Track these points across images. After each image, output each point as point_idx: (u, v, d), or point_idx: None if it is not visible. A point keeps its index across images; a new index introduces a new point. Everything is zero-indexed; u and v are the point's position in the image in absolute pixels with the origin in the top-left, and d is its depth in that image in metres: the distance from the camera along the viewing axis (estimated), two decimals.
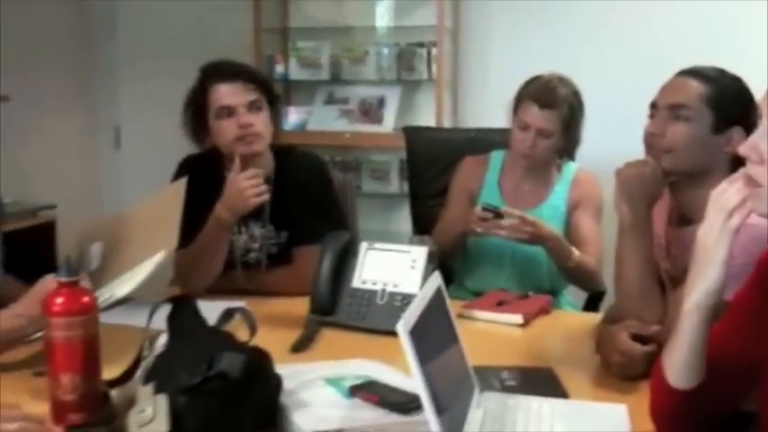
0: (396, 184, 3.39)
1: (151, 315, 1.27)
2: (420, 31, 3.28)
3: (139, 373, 1.22)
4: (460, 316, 1.66)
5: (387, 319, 1.52)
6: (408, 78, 3.34)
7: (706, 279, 1.04)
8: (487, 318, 1.71)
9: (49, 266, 1.35)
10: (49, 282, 1.37)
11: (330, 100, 3.46)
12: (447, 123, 3.25)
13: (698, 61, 1.53)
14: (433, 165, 2.51)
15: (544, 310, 1.77)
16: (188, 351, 1.17)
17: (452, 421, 1.10)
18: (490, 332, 1.66)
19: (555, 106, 2.03)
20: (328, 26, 3.44)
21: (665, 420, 1.13)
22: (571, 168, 2.16)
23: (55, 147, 3.14)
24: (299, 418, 1.15)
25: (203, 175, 1.86)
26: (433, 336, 1.16)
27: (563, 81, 2.08)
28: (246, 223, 1.92)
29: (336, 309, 1.66)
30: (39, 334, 1.36)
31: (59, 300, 1.17)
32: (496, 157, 2.22)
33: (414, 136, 2.66)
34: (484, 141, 2.40)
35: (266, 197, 1.80)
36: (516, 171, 2.16)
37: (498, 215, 1.96)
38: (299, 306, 1.70)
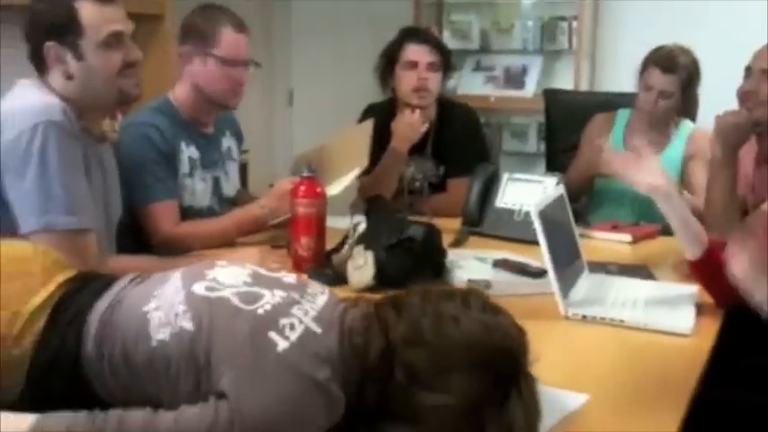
0: (533, 144, 3.93)
1: (352, 215, 1.92)
2: (562, 5, 3.79)
3: (348, 244, 1.86)
4: (580, 235, 2.20)
5: (521, 231, 2.09)
6: (550, 48, 3.86)
7: None
8: (601, 236, 2.25)
9: None
10: (284, 183, 2.04)
11: (478, 67, 4.04)
12: (583, 89, 3.76)
13: None
14: (568, 125, 3.03)
15: (651, 235, 2.28)
16: (384, 225, 1.80)
17: (566, 284, 1.67)
18: (602, 246, 2.19)
19: (675, 71, 2.51)
20: (479, 1, 4.01)
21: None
22: (689, 126, 2.64)
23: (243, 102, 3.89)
24: (458, 273, 1.76)
25: (381, 118, 2.51)
26: (556, 223, 1.72)
27: (684, 51, 2.56)
28: (413, 159, 2.55)
29: (482, 222, 2.26)
30: (276, 220, 2.04)
31: (302, 188, 1.84)
32: (623, 114, 2.73)
33: (553, 98, 3.20)
34: (614, 103, 2.88)
35: (427, 126, 2.43)
36: (640, 126, 2.66)
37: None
38: (452, 224, 2.30)
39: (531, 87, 3.90)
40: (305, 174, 1.85)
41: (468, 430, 1.03)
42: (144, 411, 1.00)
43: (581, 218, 2.74)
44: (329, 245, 1.89)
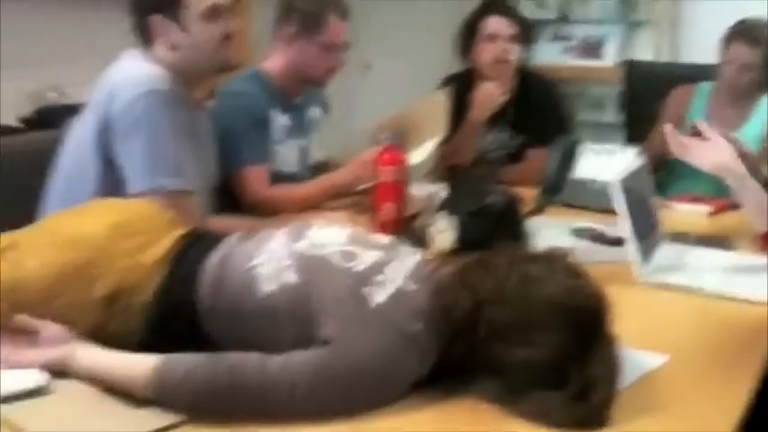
0: (611, 115, 3.93)
1: (431, 183, 2.00)
2: None
3: (429, 210, 1.94)
4: (658, 207, 2.23)
5: (600, 200, 2.13)
6: (630, 19, 3.83)
7: None
8: (680, 208, 2.28)
9: None
10: (367, 152, 2.13)
11: (555, 37, 4.04)
12: (664, 60, 3.73)
13: None
14: (648, 96, 3.03)
15: (730, 207, 2.29)
16: (466, 192, 1.88)
17: (645, 252, 1.73)
18: (681, 218, 2.22)
19: (758, 44, 2.50)
20: None
21: None
22: None
23: None
24: (537, 241, 1.82)
25: (460, 89, 2.57)
26: (636, 193, 1.77)
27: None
28: (491, 129, 2.61)
29: (561, 191, 2.31)
30: (359, 187, 2.14)
31: (386, 155, 1.93)
32: (704, 87, 2.72)
33: (632, 69, 3.21)
34: (695, 75, 2.87)
35: (506, 96, 2.49)
36: (722, 99, 2.65)
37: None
38: (530, 193, 2.35)
39: (609, 58, 3.89)
40: (387, 142, 1.93)
41: (551, 383, 1.11)
42: (256, 355, 1.11)
43: (659, 190, 2.77)
44: (410, 211, 1.98)
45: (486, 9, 2.60)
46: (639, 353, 1.29)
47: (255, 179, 2.08)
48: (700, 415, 1.15)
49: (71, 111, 2.75)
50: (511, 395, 1.13)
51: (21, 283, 1.21)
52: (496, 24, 2.55)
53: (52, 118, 2.79)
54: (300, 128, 2.26)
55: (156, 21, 1.74)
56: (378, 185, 1.94)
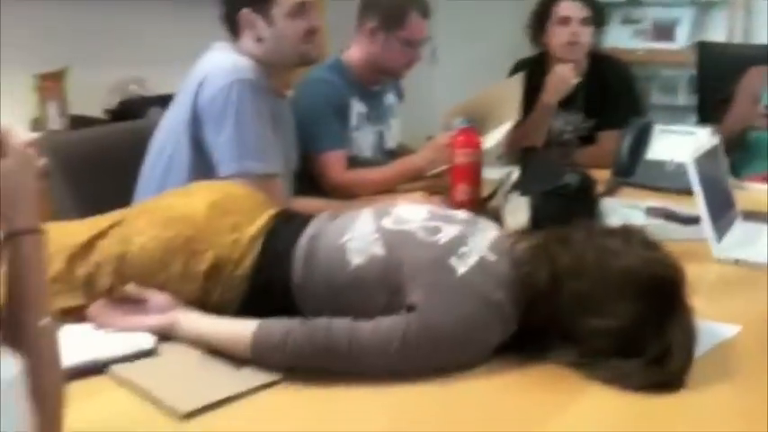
0: (683, 98, 3.90)
1: (503, 166, 2.05)
2: None
3: (503, 190, 2.00)
4: (733, 186, 2.25)
5: (673, 181, 2.16)
6: (702, 0, 3.80)
7: None
8: (755, 187, 2.28)
9: None
10: (441, 137, 2.20)
11: (626, 20, 4.03)
12: (737, 41, 3.69)
13: None
14: (721, 78, 3.01)
15: None
16: (540, 173, 1.93)
17: (719, 230, 1.76)
18: (756, 197, 2.22)
19: None
20: None
21: None
22: None
23: None
24: (611, 220, 1.87)
25: (531, 72, 2.61)
26: (710, 173, 1.80)
27: None
28: (563, 112, 2.65)
29: (634, 172, 2.34)
30: (433, 171, 2.21)
31: (461, 139, 2.00)
32: None
33: (705, 51, 3.19)
34: None
35: (578, 78, 2.53)
36: None
37: None
38: (602, 175, 2.39)
39: (681, 40, 3.86)
40: (463, 126, 2.00)
41: (628, 350, 1.17)
42: (347, 320, 1.20)
43: (733, 170, 2.76)
44: (484, 193, 2.04)
45: None
46: (713, 324, 1.33)
47: (335, 163, 2.18)
48: None
49: (151, 102, 2.92)
50: (589, 361, 1.19)
51: (130, 257, 1.33)
52: (569, 8, 2.59)
53: (134, 109, 2.96)
54: (377, 115, 2.35)
55: (246, 14, 1.85)
56: (453, 167, 2.01)
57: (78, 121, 2.84)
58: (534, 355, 1.23)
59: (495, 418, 1.11)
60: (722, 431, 1.08)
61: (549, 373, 1.21)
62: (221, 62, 1.83)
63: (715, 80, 3.06)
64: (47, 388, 0.86)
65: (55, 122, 2.80)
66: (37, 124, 2.78)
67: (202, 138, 1.81)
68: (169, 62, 3.06)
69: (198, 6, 2.86)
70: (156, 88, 3.10)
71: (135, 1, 3.08)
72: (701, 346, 1.22)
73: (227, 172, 1.77)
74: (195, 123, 1.81)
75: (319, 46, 1.92)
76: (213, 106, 1.78)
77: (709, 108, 3.05)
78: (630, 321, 1.17)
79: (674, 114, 3.92)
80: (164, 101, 2.84)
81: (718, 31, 3.76)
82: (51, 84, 2.77)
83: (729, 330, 1.33)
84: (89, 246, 1.34)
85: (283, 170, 1.92)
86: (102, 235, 1.35)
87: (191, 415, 1.10)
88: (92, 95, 2.98)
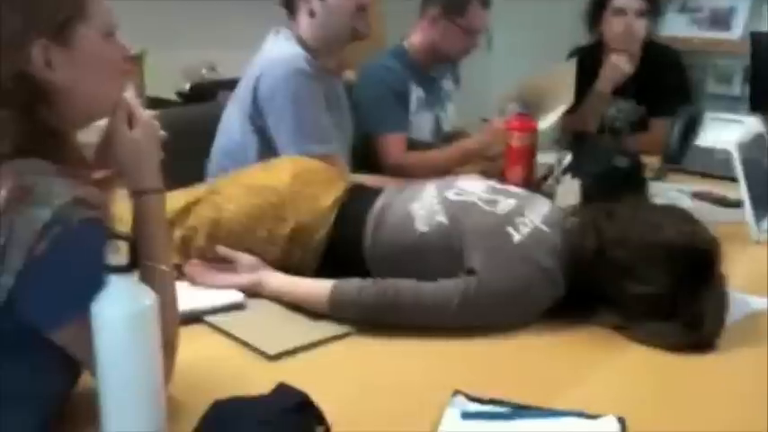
0: (738, 88, 3.98)
1: (557, 150, 2.20)
2: None
3: (556, 172, 2.15)
4: None
5: (720, 167, 2.28)
6: None
7: None
8: None
9: None
10: (496, 121, 2.36)
11: (683, 9, 4.11)
12: None
13: None
14: None
15: None
16: (591, 156, 2.08)
17: (760, 214, 1.88)
18: None
19: None
20: None
21: None
22: None
23: None
24: (658, 201, 2.01)
25: (587, 60, 2.75)
26: (755, 158, 1.92)
27: None
28: (616, 99, 2.77)
29: (682, 159, 2.46)
30: (489, 154, 2.37)
31: (516, 122, 2.15)
32: None
33: (759, 40, 3.28)
34: None
35: (632, 68, 2.67)
36: None
37: None
38: (653, 161, 2.52)
39: (737, 29, 3.92)
40: (518, 109, 2.16)
41: (665, 314, 1.32)
42: (413, 280, 1.37)
43: None
44: (537, 175, 2.20)
45: None
46: (746, 296, 1.47)
47: (395, 145, 2.35)
48: None
49: (221, 86, 3.12)
50: (629, 324, 1.35)
51: (221, 222, 1.52)
52: None
53: (205, 92, 3.17)
54: (434, 99, 2.51)
55: None
56: (508, 150, 2.17)
57: (154, 103, 3.06)
58: (580, 318, 1.39)
59: (545, 370, 1.28)
60: (747, 390, 1.22)
61: (593, 334, 1.37)
62: (278, 53, 2.01)
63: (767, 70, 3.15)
64: (168, 321, 1.05)
65: None
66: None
67: (265, 126, 1.99)
68: (238, 47, 3.27)
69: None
70: (225, 72, 3.31)
71: None
72: (733, 315, 1.37)
73: (291, 154, 1.94)
74: (257, 114, 1.99)
75: (368, 23, 2.09)
76: (273, 96, 1.95)
77: (762, 98, 3.14)
78: (668, 288, 1.32)
79: (729, 104, 3.99)
80: (233, 84, 3.05)
81: None
82: (130, 66, 2.98)
83: (761, 302, 1.47)
84: (186, 211, 1.53)
85: (342, 149, 2.09)
86: (197, 202, 1.54)
87: (277, 357, 1.28)
88: (166, 78, 3.20)
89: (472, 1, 2.41)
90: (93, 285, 0.93)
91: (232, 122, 2.09)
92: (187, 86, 3.28)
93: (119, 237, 0.96)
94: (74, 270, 0.95)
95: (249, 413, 0.97)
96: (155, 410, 0.98)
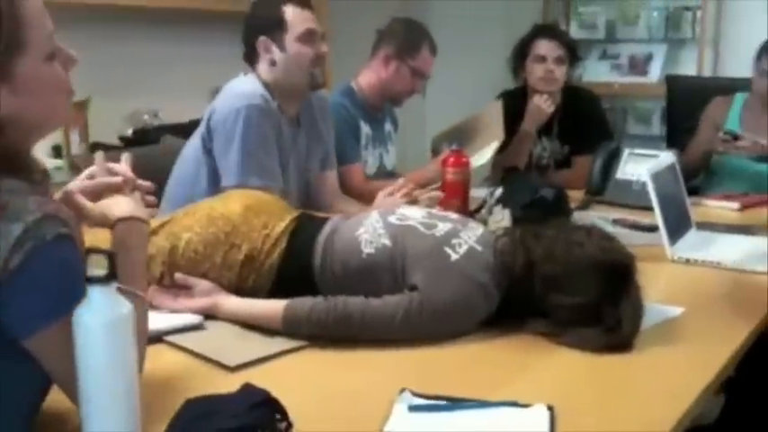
0: (657, 128, 4.28)
1: (488, 186, 2.39)
2: None
3: (488, 204, 2.32)
4: (692, 204, 2.58)
5: (639, 198, 2.49)
6: (674, 37, 4.19)
7: None
8: (712, 204, 2.63)
9: None
10: (445, 152, 2.52)
11: (604, 56, 4.42)
12: (706, 75, 4.07)
13: None
14: (689, 109, 3.37)
15: (760, 203, 2.63)
16: (520, 188, 2.26)
17: (674, 235, 2.09)
18: (713, 212, 2.57)
19: None
20: None
21: None
22: None
23: None
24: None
25: (513, 103, 2.97)
26: (668, 186, 2.13)
27: None
28: (541, 139, 3.00)
29: (604, 191, 2.68)
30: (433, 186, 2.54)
31: (451, 159, 2.33)
32: (740, 97, 3.08)
33: (675, 83, 3.57)
34: (734, 88, 3.20)
35: (553, 108, 2.91)
36: (756, 108, 3.00)
37: (736, 138, 2.85)
38: (577, 195, 2.73)
39: (655, 74, 4.25)
40: (453, 147, 2.34)
41: (589, 321, 1.48)
42: (361, 297, 1.51)
43: (700, 191, 3.10)
44: (471, 207, 2.37)
45: (536, 33, 3.01)
46: (661, 306, 1.65)
47: (356, 174, 2.55)
48: (703, 346, 1.52)
49: (164, 130, 3.24)
50: (556, 330, 1.51)
51: (178, 250, 1.64)
52: (544, 47, 2.96)
53: (147, 137, 3.28)
54: (379, 138, 2.71)
55: (262, 41, 2.19)
56: (443, 183, 2.34)
57: (97, 147, 3.15)
58: (512, 326, 1.54)
59: (482, 372, 1.42)
60: (661, 384, 1.39)
61: (524, 340, 1.52)
62: (237, 88, 2.17)
63: (684, 110, 3.42)
64: (140, 334, 1.16)
65: (76, 148, 3.12)
66: (59, 150, 3.10)
67: (214, 157, 2.13)
68: (181, 95, 3.41)
69: (207, 44, 3.20)
70: (167, 118, 3.44)
71: (148, 39, 3.43)
72: (649, 321, 1.54)
73: (230, 183, 2.08)
74: (209, 138, 2.14)
75: (324, 71, 2.26)
76: (224, 125, 2.11)
77: (678, 136, 3.40)
78: (590, 298, 1.49)
79: (649, 143, 4.26)
80: (175, 129, 3.18)
81: (688, 66, 4.14)
82: (75, 112, 3.09)
83: (674, 311, 1.66)
84: None
85: (295, 181, 2.24)
86: (154, 232, 1.66)
87: (237, 368, 1.40)
88: (109, 124, 3.31)
89: (424, 45, 2.62)
90: (65, 296, 1.02)
91: (188, 151, 2.22)
92: (130, 132, 3.39)
93: (98, 252, 1.07)
94: (45, 281, 1.04)
95: (219, 408, 1.08)
96: (131, 411, 1.09)
